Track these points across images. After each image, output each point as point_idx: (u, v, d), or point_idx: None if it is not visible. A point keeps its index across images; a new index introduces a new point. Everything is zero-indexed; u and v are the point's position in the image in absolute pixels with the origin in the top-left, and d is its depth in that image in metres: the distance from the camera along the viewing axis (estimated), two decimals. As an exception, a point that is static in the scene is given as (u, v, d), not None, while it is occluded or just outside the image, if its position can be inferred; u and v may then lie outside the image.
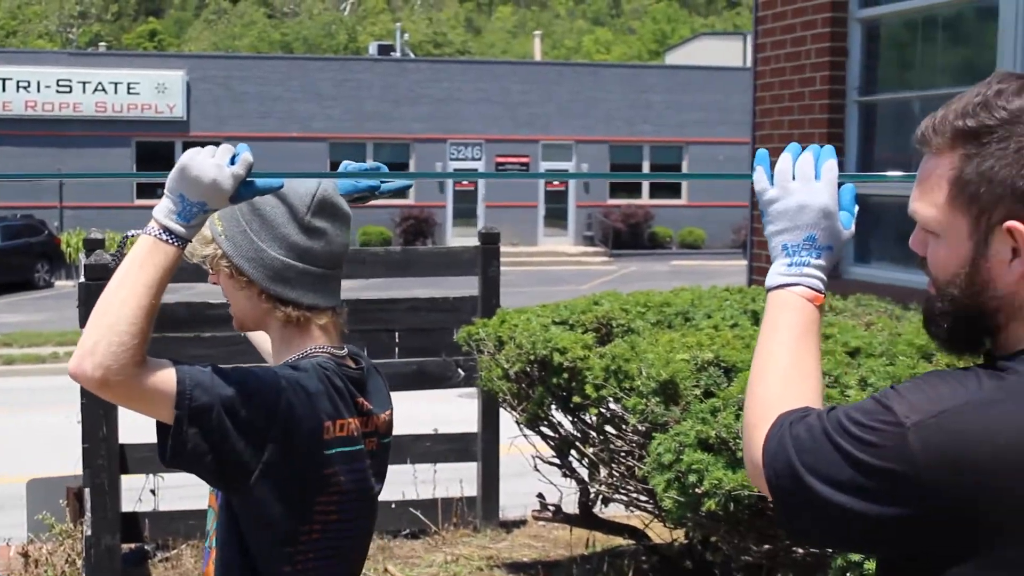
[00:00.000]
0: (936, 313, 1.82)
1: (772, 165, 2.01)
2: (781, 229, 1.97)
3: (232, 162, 2.27)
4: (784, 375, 1.89)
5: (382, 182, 2.85)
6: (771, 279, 1.98)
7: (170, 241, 2.28)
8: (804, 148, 2.01)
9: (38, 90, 37.12)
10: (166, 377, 2.30)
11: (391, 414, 2.70)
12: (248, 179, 2.28)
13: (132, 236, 2.41)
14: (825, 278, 1.97)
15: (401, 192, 3.01)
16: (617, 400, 4.99)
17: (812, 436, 1.75)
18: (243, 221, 2.54)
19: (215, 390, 2.33)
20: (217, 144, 2.33)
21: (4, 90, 36.92)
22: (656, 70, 45.74)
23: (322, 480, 2.47)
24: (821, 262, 1.96)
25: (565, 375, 5.32)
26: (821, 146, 2.01)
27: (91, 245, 6.75)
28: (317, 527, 2.49)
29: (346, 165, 2.76)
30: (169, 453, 2.36)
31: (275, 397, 2.39)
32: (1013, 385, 1.68)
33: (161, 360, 2.33)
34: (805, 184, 1.96)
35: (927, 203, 1.78)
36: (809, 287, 1.94)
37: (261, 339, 2.84)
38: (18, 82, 36.99)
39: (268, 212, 2.53)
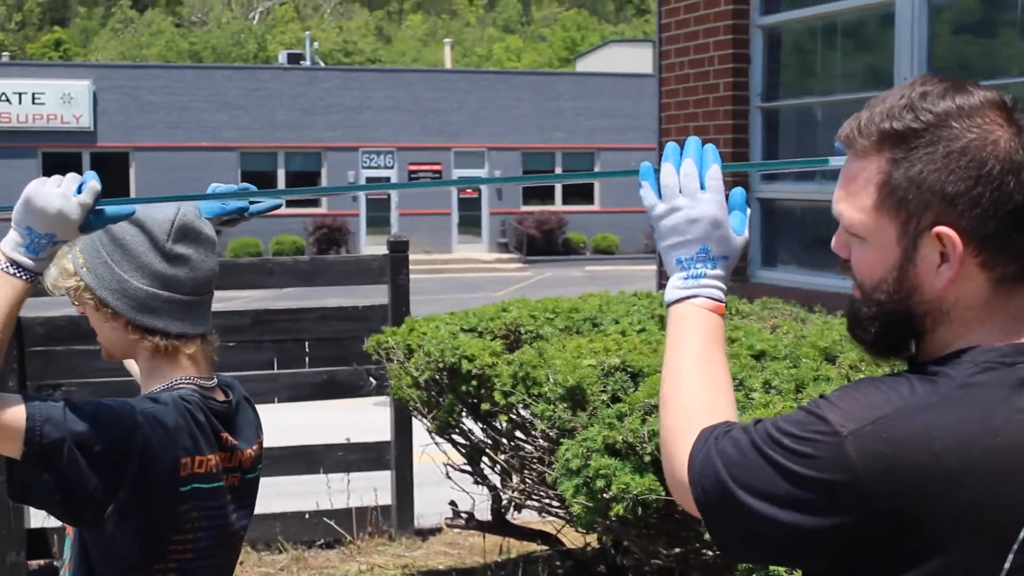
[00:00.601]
0: (862, 318, 1.80)
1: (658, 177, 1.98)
2: (674, 244, 1.96)
3: (79, 191, 2.20)
4: (698, 388, 1.87)
5: (251, 202, 2.76)
6: (669, 294, 1.96)
7: (18, 275, 2.22)
8: (682, 146, 1.99)
9: (-60, 101, 36.56)
10: (15, 412, 2.25)
11: (259, 448, 2.66)
12: (97, 208, 2.20)
13: None
14: (724, 287, 1.95)
15: (275, 209, 2.91)
16: (526, 407, 5.02)
17: (740, 450, 1.72)
18: (104, 252, 2.50)
19: (66, 425, 2.28)
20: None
21: (-94, 102, 36.31)
22: (567, 77, 45.98)
23: (177, 517, 2.42)
24: (718, 271, 1.94)
25: (474, 382, 5.33)
26: (703, 144, 2.00)
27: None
28: (173, 565, 2.45)
29: (214, 188, 2.71)
30: (18, 491, 2.32)
31: (130, 432, 2.34)
32: (945, 389, 1.66)
33: (10, 394, 2.28)
34: (691, 197, 1.94)
35: (853, 207, 1.76)
36: (709, 297, 1.93)
37: (133, 365, 2.78)
38: (-81, 93, 36.39)
39: (128, 241, 2.49)
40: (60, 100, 37.28)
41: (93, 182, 2.20)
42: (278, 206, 2.82)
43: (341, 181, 39.36)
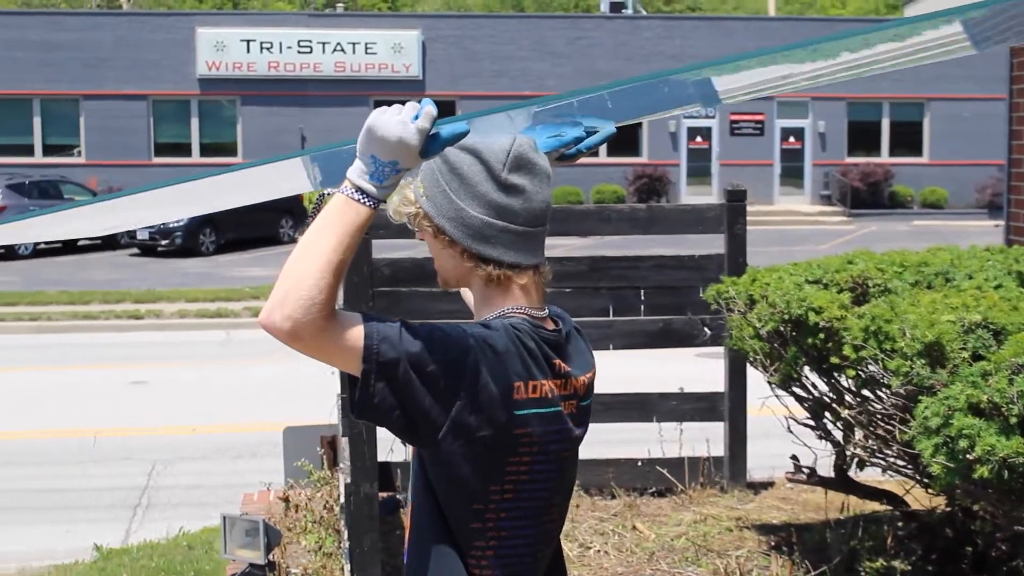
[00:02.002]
0: None
1: None
2: None
3: (416, 118, 2.29)
4: None
5: (587, 131, 2.74)
6: None
7: (362, 201, 2.32)
8: None
9: (280, 51, 38.18)
10: (354, 331, 2.34)
11: (592, 376, 2.66)
12: (433, 132, 2.30)
13: (327, 195, 2.44)
14: None
15: (629, 144, 2.85)
16: (876, 361, 4.87)
17: None
18: (442, 181, 2.54)
19: (402, 345, 2.36)
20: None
21: (248, 51, 38.09)
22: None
23: (513, 440, 2.46)
24: None
25: (821, 335, 5.21)
26: None
27: (324, 201, 6.89)
28: (509, 487, 2.49)
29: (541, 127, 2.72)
30: (357, 406, 2.40)
31: (462, 354, 2.39)
32: None
33: (351, 313, 2.37)
34: None
35: None
36: None
37: (470, 296, 2.83)
38: (261, 43, 38.12)
39: (466, 171, 2.52)
40: (391, 50, 38.45)
41: (429, 107, 2.30)
42: (613, 133, 2.79)
43: (662, 130, 39.27)
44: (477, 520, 2.49)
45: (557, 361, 2.53)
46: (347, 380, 2.42)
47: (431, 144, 2.32)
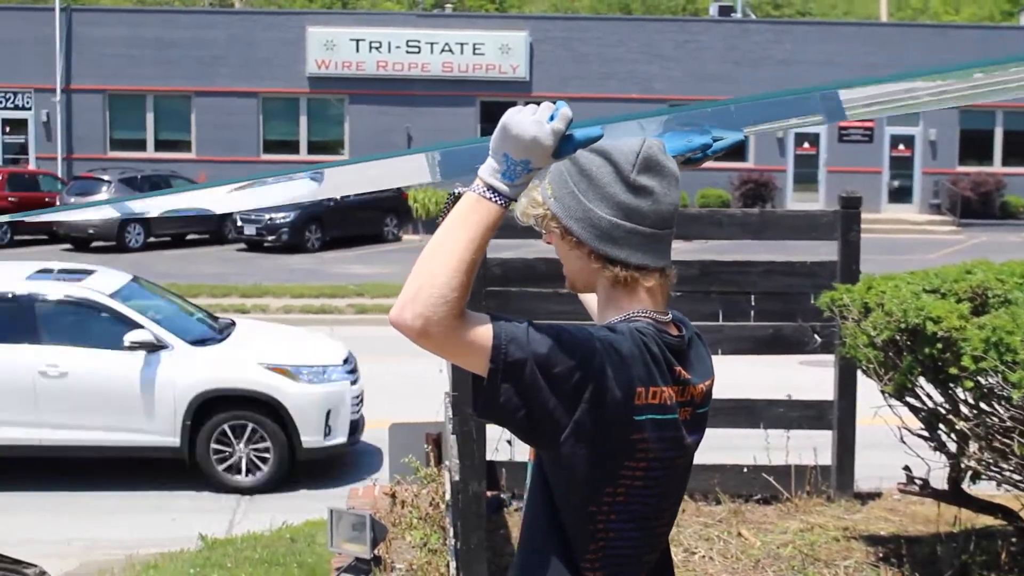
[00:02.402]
0: None
1: None
2: None
3: (551, 119, 2.29)
4: None
5: (714, 139, 2.74)
6: None
7: (494, 199, 2.33)
8: None
9: (389, 51, 38.40)
10: (483, 330, 2.34)
11: (711, 384, 2.65)
12: (567, 133, 2.30)
13: (458, 193, 2.45)
14: None
15: (736, 149, 2.88)
16: (996, 373, 4.77)
17: None
18: (571, 182, 2.54)
19: (530, 346, 2.35)
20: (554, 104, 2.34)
21: (357, 51, 38.35)
22: (1011, 31, 43.62)
23: (630, 445, 2.45)
24: None
25: (938, 345, 5.13)
26: None
27: (456, 199, 6.92)
28: (622, 491, 2.48)
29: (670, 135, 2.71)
30: (481, 405, 2.40)
31: (589, 357, 2.38)
32: None
33: (478, 313, 2.37)
34: None
35: None
36: None
37: (592, 301, 2.82)
38: (370, 43, 38.37)
39: (594, 172, 2.52)
40: (499, 51, 38.51)
41: (565, 109, 2.31)
42: (741, 140, 2.78)
43: (768, 136, 38.86)
44: (590, 522, 2.49)
45: (678, 368, 2.52)
46: (472, 379, 2.41)
47: (564, 145, 2.32)
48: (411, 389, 11.38)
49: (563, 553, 2.51)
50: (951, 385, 5.31)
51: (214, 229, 31.80)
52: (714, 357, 2.74)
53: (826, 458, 7.48)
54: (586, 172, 2.53)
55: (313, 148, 38.37)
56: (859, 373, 6.50)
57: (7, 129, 37.39)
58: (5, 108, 37.78)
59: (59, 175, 35.42)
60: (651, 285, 2.55)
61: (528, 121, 2.30)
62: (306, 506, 9.30)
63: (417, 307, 2.29)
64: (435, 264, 2.31)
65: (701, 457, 2.93)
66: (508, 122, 2.31)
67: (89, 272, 11.45)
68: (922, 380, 5.52)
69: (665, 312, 2.58)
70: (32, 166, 36.80)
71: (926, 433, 5.70)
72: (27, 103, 37.81)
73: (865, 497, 7.43)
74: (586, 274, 2.59)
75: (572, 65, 38.77)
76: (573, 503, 2.49)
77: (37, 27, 37.69)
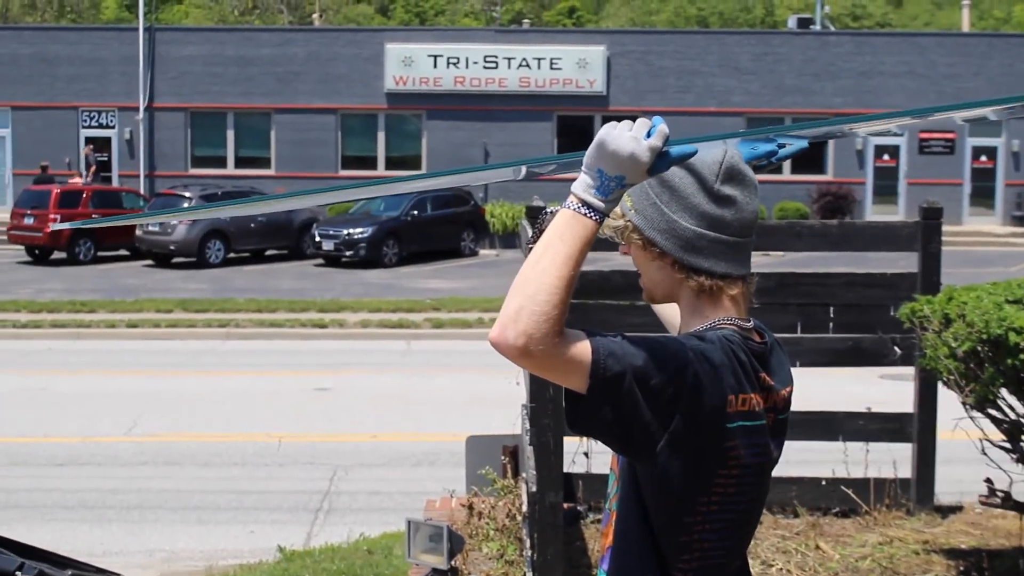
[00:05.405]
0: None
1: None
2: None
3: (648, 135, 2.30)
4: None
5: (779, 145, 2.75)
6: None
7: (589, 215, 2.33)
8: None
9: (466, 66, 38.56)
10: (581, 346, 2.34)
11: (791, 390, 2.65)
12: (663, 150, 2.30)
13: (550, 212, 2.46)
14: None
15: (814, 161, 2.86)
16: (1079, 384, 4.71)
17: None
18: (652, 194, 2.55)
19: (626, 360, 2.35)
20: (634, 119, 2.34)
21: (435, 66, 38.55)
22: (1097, 40, 42.94)
23: (723, 453, 2.46)
24: None
25: (1021, 356, 5.07)
26: None
27: (533, 213, 6.94)
28: (715, 499, 2.48)
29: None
30: (580, 421, 2.41)
31: (683, 368, 2.38)
32: None
33: (574, 330, 2.36)
34: None
35: None
36: None
37: (668, 312, 2.84)
38: (448, 59, 38.55)
39: (677, 183, 2.53)
40: (576, 65, 38.54)
41: (662, 126, 2.31)
42: (804, 148, 2.79)
43: (847, 148, 38.57)
44: (684, 533, 2.50)
45: (763, 374, 2.53)
46: (565, 394, 2.42)
47: (659, 162, 2.32)
48: (487, 402, 11.44)
49: (657, 562, 2.52)
50: (1034, 396, 5.24)
51: (293, 245, 32.07)
52: (792, 369, 2.75)
53: (906, 471, 7.40)
54: (668, 183, 2.54)
55: (391, 164, 38.61)
56: (939, 385, 6.44)
57: (92, 147, 37.99)
58: (90, 127, 38.44)
59: (141, 192, 35.93)
60: (735, 293, 2.56)
61: (626, 137, 2.30)
62: (383, 518, 9.35)
63: (520, 326, 2.29)
64: (535, 282, 2.31)
65: (778, 469, 2.91)
66: (605, 138, 2.32)
67: None
68: (1004, 391, 5.45)
69: (748, 319, 2.59)
70: (115, 183, 37.35)
71: (1008, 445, 5.63)
72: (111, 121, 38.46)
73: (945, 510, 7.34)
74: (668, 285, 2.60)
75: (649, 79, 38.71)
76: (667, 513, 2.49)
77: (121, 47, 38.37)
